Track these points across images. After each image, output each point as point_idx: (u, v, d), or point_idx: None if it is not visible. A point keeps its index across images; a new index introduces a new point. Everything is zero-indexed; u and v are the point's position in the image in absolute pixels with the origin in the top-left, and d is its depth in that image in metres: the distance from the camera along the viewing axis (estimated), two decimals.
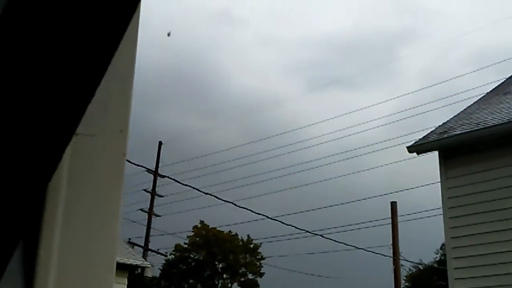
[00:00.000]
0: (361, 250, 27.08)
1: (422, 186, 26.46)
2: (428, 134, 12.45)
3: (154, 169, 31.10)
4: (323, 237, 26.87)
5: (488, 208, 10.90)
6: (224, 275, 42.35)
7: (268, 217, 26.49)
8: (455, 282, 11.30)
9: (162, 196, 32.12)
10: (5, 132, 0.88)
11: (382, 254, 25.13)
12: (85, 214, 1.17)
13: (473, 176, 11.26)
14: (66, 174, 1.15)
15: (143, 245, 30.52)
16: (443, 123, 12.69)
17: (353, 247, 26.91)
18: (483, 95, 14.13)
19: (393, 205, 24.29)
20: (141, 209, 30.97)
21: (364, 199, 32.90)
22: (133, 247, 27.48)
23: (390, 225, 24.14)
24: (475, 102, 13.86)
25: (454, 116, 13.06)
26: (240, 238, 42.14)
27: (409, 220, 27.52)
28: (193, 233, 41.33)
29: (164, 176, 30.51)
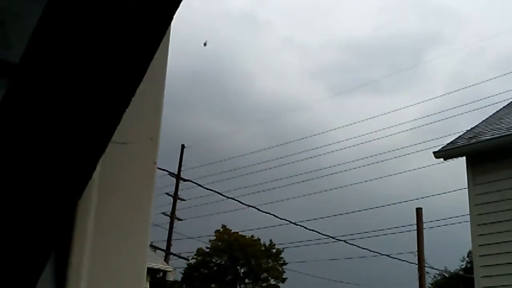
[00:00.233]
0: (385, 256, 26.88)
1: (448, 192, 26.21)
2: (456, 139, 12.27)
3: (176, 173, 31.27)
4: (346, 242, 26.74)
5: None
6: (246, 280, 42.38)
7: (291, 222, 26.44)
8: None
9: (185, 200, 32.29)
10: (46, 141, 0.86)
11: (407, 261, 24.89)
12: (115, 223, 1.15)
13: (501, 183, 11.05)
14: (97, 183, 1.12)
15: (165, 248, 30.68)
16: (472, 128, 12.51)
17: (377, 254, 26.72)
18: None
19: (419, 211, 24.04)
20: (163, 213, 31.15)
21: (389, 205, 32.70)
22: (155, 251, 27.63)
23: (415, 231, 23.89)
24: (504, 106, 13.64)
25: (483, 120, 12.86)
26: (262, 243, 42.15)
27: (435, 226, 27.27)
28: (215, 237, 41.46)
29: (186, 180, 30.65)
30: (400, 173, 32.11)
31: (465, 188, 11.84)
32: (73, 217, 1.09)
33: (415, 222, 23.90)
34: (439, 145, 12.75)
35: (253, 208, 26.13)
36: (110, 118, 0.93)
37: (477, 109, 24.46)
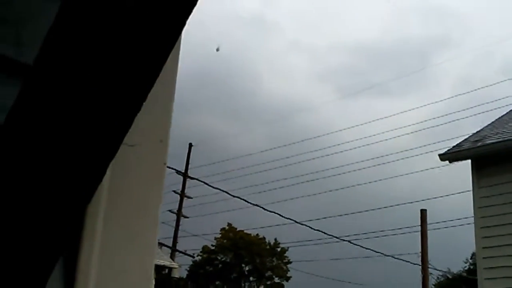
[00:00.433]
0: (389, 257, 26.80)
1: (453, 194, 26.09)
2: (461, 142, 12.25)
3: (183, 171, 31.28)
4: (351, 243, 26.68)
5: None
6: (251, 278, 42.33)
7: (296, 222, 26.40)
8: None
9: (191, 198, 32.30)
10: (58, 144, 0.90)
11: (411, 262, 24.82)
12: (124, 225, 1.17)
13: (506, 186, 11.03)
14: (107, 185, 1.15)
15: (171, 245, 30.70)
16: (477, 131, 12.48)
17: (381, 254, 26.65)
18: None
19: (423, 212, 23.96)
20: (170, 210, 31.16)
21: (393, 206, 32.56)
22: (161, 248, 27.65)
23: (419, 232, 23.81)
24: (510, 110, 13.59)
25: (489, 124, 12.83)
26: (267, 242, 42.08)
27: (439, 228, 27.16)
28: (220, 235, 41.42)
29: (193, 178, 30.66)
30: (405, 174, 31.98)
31: (469, 191, 11.83)
32: (82, 218, 1.11)
33: (419, 224, 23.83)
34: (444, 148, 12.73)
35: (259, 207, 26.11)
36: (122, 122, 0.95)
37: (483, 112, 24.37)
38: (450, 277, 37.44)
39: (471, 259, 34.77)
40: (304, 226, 26.36)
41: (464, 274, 35.41)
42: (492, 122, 12.96)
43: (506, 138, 11.27)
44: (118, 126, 0.95)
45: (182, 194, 31.52)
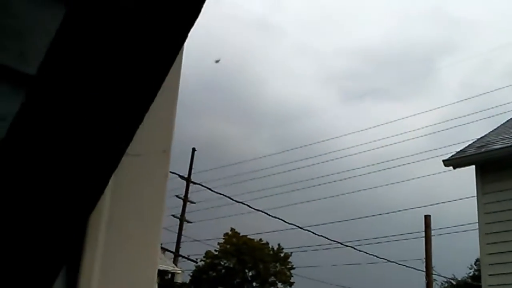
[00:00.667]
0: (393, 263, 26.74)
1: (457, 200, 26.04)
2: (465, 147, 12.23)
3: (187, 176, 31.31)
4: (354, 248, 26.64)
5: None
6: (254, 284, 42.28)
7: (299, 227, 26.38)
8: None
9: (194, 203, 32.32)
10: (61, 154, 0.90)
11: (415, 268, 24.77)
12: (126, 236, 1.17)
13: (511, 192, 11.01)
14: (109, 195, 1.15)
15: (174, 250, 30.70)
16: (481, 137, 12.46)
17: (385, 260, 26.59)
18: None
19: (427, 218, 23.92)
20: (173, 215, 31.18)
21: (395, 211, 32.55)
22: (164, 253, 27.64)
23: (423, 238, 23.77)
24: None
25: (493, 130, 12.81)
26: (270, 247, 42.05)
27: (443, 234, 27.11)
28: (223, 240, 41.41)
29: (196, 183, 30.68)
30: (409, 180, 31.94)
31: (473, 197, 11.80)
32: (85, 228, 1.10)
33: (423, 229, 23.78)
34: (448, 153, 12.72)
35: (262, 213, 26.10)
36: (125, 132, 0.96)
37: (488, 117, 24.35)
38: (454, 283, 37.32)
39: (475, 265, 34.68)
40: (308, 231, 26.34)
41: (469, 280, 35.30)
42: (497, 127, 12.94)
43: (510, 144, 11.24)
44: (121, 137, 0.95)
45: (185, 199, 31.53)
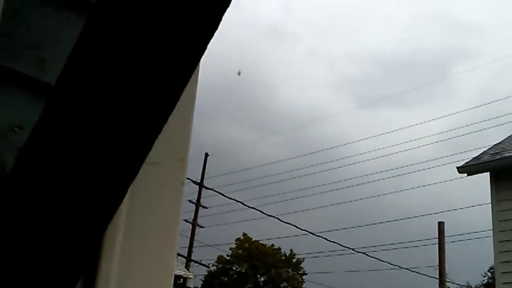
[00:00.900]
0: (406, 270, 26.57)
1: (471, 207, 25.84)
2: (480, 154, 12.15)
3: (199, 181, 31.36)
4: (366, 255, 26.50)
5: None
6: None
7: (311, 233, 26.30)
8: None
9: (207, 208, 32.36)
10: (79, 163, 0.90)
11: (428, 275, 24.59)
12: (142, 245, 1.17)
13: None
14: (127, 204, 1.15)
15: (186, 255, 30.74)
16: (496, 144, 12.37)
17: (397, 267, 26.43)
18: None
19: (441, 225, 23.77)
20: (185, 220, 31.22)
21: (410, 217, 32.36)
22: (176, 258, 27.68)
23: (437, 245, 23.62)
24: None
25: (508, 136, 12.71)
26: (283, 252, 41.98)
27: (456, 241, 26.93)
28: (235, 245, 41.40)
29: (209, 188, 30.72)
30: (423, 186, 31.75)
31: (488, 203, 11.72)
32: (101, 238, 1.10)
33: (437, 236, 23.63)
34: (463, 160, 12.64)
35: (274, 218, 26.06)
36: (144, 142, 0.96)
37: (502, 124, 24.17)
38: None
39: (489, 272, 34.39)
40: (320, 237, 26.26)
41: None
42: (511, 134, 12.84)
43: None
44: (140, 147, 0.95)
45: (198, 204, 31.58)
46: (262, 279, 42.41)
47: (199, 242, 32.38)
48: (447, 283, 23.78)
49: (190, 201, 31.31)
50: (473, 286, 36.39)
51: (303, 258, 41.17)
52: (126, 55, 0.89)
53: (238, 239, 41.65)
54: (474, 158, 12.16)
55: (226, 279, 41.72)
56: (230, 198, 27.34)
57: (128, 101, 0.91)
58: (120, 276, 1.12)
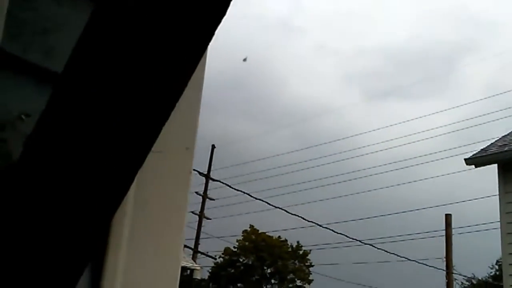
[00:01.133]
0: (413, 262, 26.56)
1: (478, 199, 25.78)
2: (487, 146, 12.11)
3: (206, 172, 31.40)
4: (374, 247, 26.49)
5: None
6: (272, 280, 42.28)
7: (318, 225, 26.30)
8: None
9: (213, 199, 32.42)
10: (86, 150, 0.90)
11: (435, 267, 24.57)
12: (149, 233, 1.17)
13: None
14: (133, 192, 1.15)
15: (193, 247, 30.83)
16: (504, 136, 12.32)
17: (405, 259, 26.42)
18: None
19: (448, 217, 23.74)
20: (192, 212, 31.28)
21: (418, 209, 32.33)
22: (183, 249, 27.75)
23: (444, 237, 23.59)
24: None
25: None
26: (289, 244, 42.02)
27: (464, 233, 26.90)
28: (242, 237, 41.47)
29: (215, 180, 30.76)
30: (430, 178, 31.71)
31: (496, 195, 11.68)
32: (109, 226, 1.11)
33: (444, 228, 23.61)
34: (471, 152, 12.60)
35: (281, 210, 26.07)
36: (151, 130, 0.96)
37: (510, 116, 24.05)
38: (475, 282, 36.99)
39: (496, 264, 34.33)
40: (327, 229, 26.27)
41: (490, 279, 34.98)
42: None
43: None
44: (147, 134, 0.95)
45: (205, 196, 31.64)
46: (268, 270, 42.48)
47: (206, 234, 32.49)
48: (454, 275, 23.77)
49: (197, 193, 31.37)
50: (480, 278, 36.35)
51: (310, 250, 41.21)
52: (135, 42, 0.89)
53: (244, 231, 41.71)
54: (481, 150, 12.11)
55: (232, 270, 41.82)
56: (237, 190, 27.37)
57: (135, 89, 0.91)
58: (127, 264, 1.12)
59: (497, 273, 32.03)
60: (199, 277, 31.23)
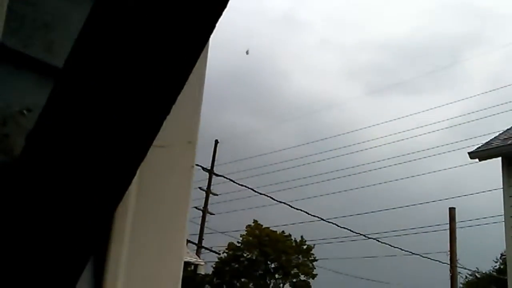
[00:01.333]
0: (417, 256, 26.56)
1: (482, 192, 25.75)
2: (491, 140, 12.09)
3: (209, 168, 31.42)
4: (378, 241, 26.50)
5: None
6: (276, 275, 42.34)
7: (322, 219, 26.32)
8: None
9: (217, 195, 32.47)
10: (88, 146, 0.90)
11: (439, 261, 24.57)
12: (152, 228, 1.17)
13: None
14: (135, 186, 1.15)
15: (197, 242, 30.90)
16: (507, 129, 12.30)
17: (409, 253, 26.41)
18: None
19: (452, 211, 23.71)
20: (196, 207, 31.33)
21: (421, 203, 32.32)
22: (187, 245, 27.77)
23: (448, 231, 23.57)
24: None
25: None
26: (293, 239, 42.05)
27: (467, 226, 26.87)
28: (246, 232, 41.51)
29: (219, 175, 30.78)
30: (434, 172, 31.67)
31: (500, 188, 11.67)
32: (111, 220, 1.11)
33: (448, 222, 23.58)
34: (475, 145, 12.59)
35: (285, 204, 26.09)
36: (152, 124, 0.96)
37: None
38: (479, 276, 36.98)
39: (501, 258, 34.30)
40: (331, 223, 26.28)
41: (494, 273, 34.96)
42: None
43: None
44: (148, 128, 0.95)
45: (208, 191, 31.68)
46: (272, 265, 42.53)
47: (209, 229, 32.56)
48: (458, 268, 23.75)
49: (200, 188, 31.41)
50: (483, 272, 36.34)
51: (314, 245, 41.25)
52: (135, 35, 0.89)
53: (248, 226, 41.74)
54: (485, 143, 12.10)
55: (236, 265, 41.88)
56: (241, 185, 27.40)
57: (137, 82, 0.90)
58: (130, 257, 1.12)
59: (501, 266, 32.00)
60: (203, 272, 31.30)
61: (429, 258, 25.75)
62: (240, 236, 41.75)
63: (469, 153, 12.13)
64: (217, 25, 0.93)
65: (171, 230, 1.20)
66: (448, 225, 23.69)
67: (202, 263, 27.38)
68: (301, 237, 42.21)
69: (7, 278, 0.91)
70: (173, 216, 1.21)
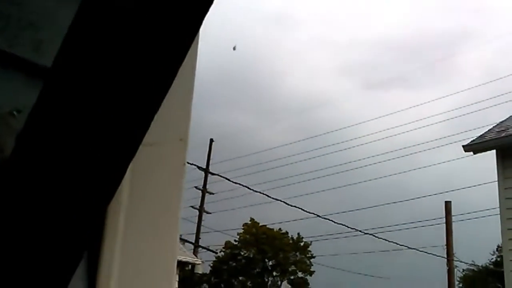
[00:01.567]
0: (414, 250, 26.63)
1: (478, 185, 25.87)
2: (485, 132, 12.13)
3: (205, 167, 31.41)
4: (374, 236, 26.58)
5: None
6: (274, 273, 42.45)
7: (319, 216, 26.36)
8: None
9: (213, 194, 32.45)
10: (78, 144, 0.90)
11: (436, 255, 24.65)
12: (145, 225, 1.17)
13: None
14: (127, 184, 1.15)
15: (193, 241, 30.90)
16: (501, 121, 12.34)
17: (405, 247, 26.49)
18: None
19: (448, 204, 23.80)
20: (192, 206, 31.33)
21: (417, 198, 32.41)
22: (184, 244, 27.81)
23: (444, 225, 23.66)
24: None
25: None
26: (290, 236, 42.14)
27: (463, 220, 26.99)
28: (243, 230, 41.58)
29: (215, 174, 30.79)
30: (429, 166, 31.77)
31: (495, 181, 11.71)
32: (104, 218, 1.11)
33: (444, 216, 23.67)
34: (469, 138, 12.63)
35: (281, 202, 26.11)
36: (141, 121, 0.96)
37: (507, 102, 24.08)
38: (476, 269, 37.13)
39: (497, 251, 34.45)
40: (327, 220, 26.32)
41: (491, 266, 35.11)
42: None
43: None
44: (137, 126, 0.95)
45: (204, 190, 31.68)
46: (270, 263, 42.62)
47: (206, 228, 32.56)
48: (455, 262, 23.85)
49: (196, 187, 31.42)
50: (479, 265, 36.48)
51: (311, 242, 41.37)
52: (122, 33, 0.88)
53: (245, 224, 41.80)
54: (479, 136, 12.13)
55: (234, 264, 41.95)
56: (236, 183, 27.40)
57: (125, 79, 0.90)
58: (123, 254, 1.13)
59: (498, 259, 32.15)
60: (200, 272, 31.33)
61: (425, 252, 25.84)
62: (237, 234, 41.83)
63: (463, 146, 12.16)
64: (207, 17, 0.93)
65: (164, 226, 1.20)
66: (445, 218, 23.78)
67: (200, 262, 27.38)
68: (298, 234, 42.30)
69: (0, 276, 0.91)
70: (165, 212, 1.21)
